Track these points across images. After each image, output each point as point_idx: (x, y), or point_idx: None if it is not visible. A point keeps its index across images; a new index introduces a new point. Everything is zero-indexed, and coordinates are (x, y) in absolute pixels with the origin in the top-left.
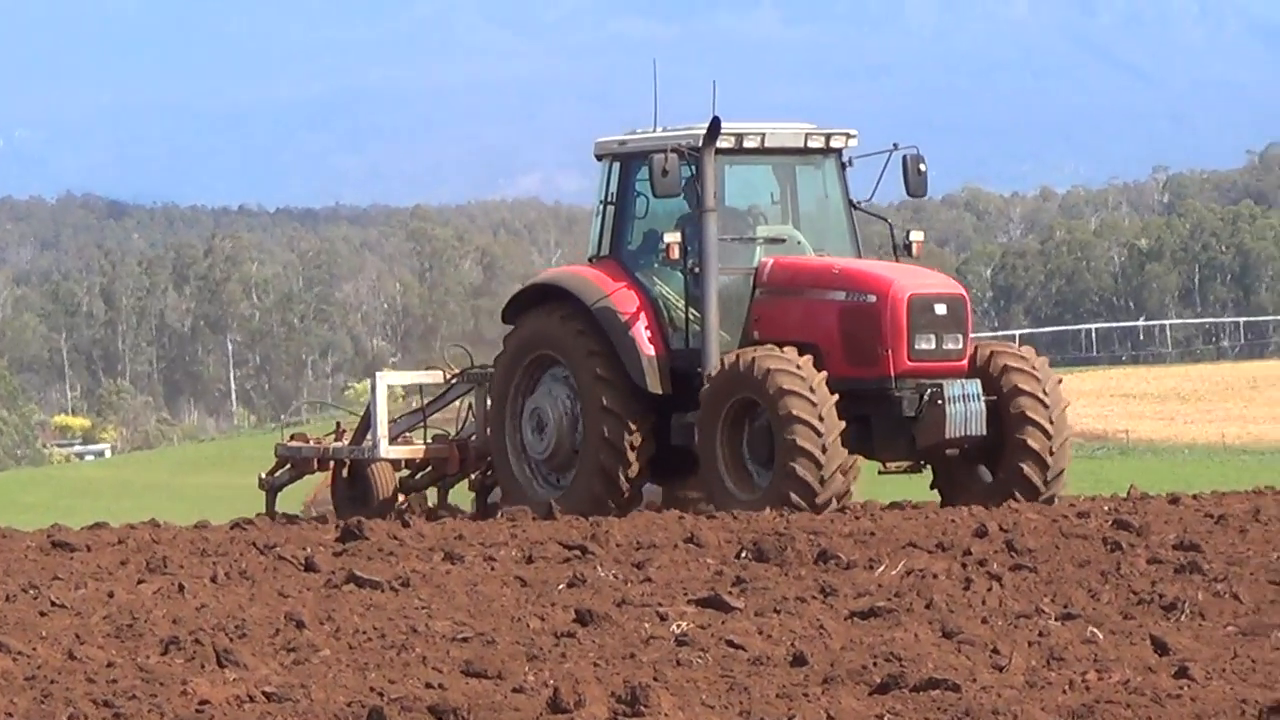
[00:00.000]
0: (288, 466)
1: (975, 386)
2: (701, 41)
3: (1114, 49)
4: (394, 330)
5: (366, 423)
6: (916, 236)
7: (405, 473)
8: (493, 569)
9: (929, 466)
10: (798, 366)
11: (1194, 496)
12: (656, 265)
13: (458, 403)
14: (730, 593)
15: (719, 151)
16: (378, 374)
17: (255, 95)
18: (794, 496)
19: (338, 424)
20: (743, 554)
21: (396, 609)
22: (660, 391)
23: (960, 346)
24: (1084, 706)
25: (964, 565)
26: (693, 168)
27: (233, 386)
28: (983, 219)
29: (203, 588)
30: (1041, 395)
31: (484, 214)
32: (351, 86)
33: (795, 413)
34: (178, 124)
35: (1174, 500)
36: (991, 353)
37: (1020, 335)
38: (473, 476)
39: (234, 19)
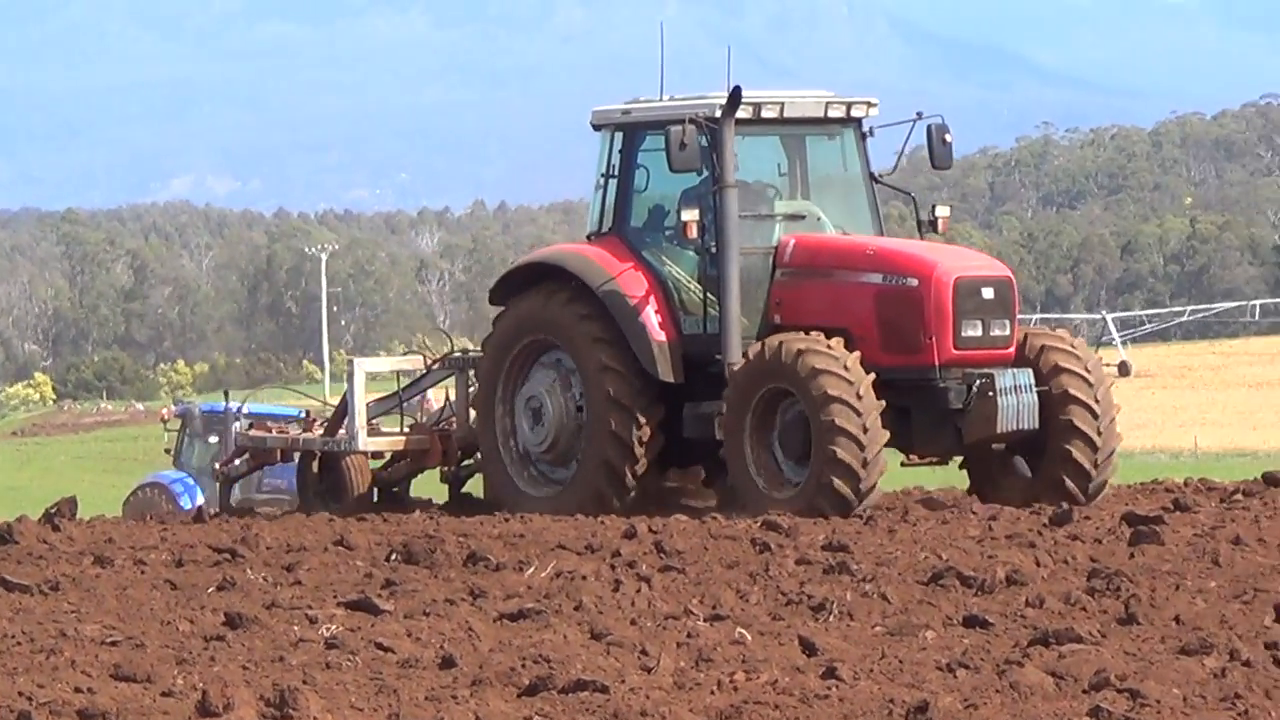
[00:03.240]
0: (245, 456)
1: (1027, 376)
2: (351, 43)
3: (762, 50)
4: (45, 334)
5: (341, 413)
6: (942, 212)
7: (378, 464)
8: (143, 572)
9: (957, 459)
10: (829, 347)
11: None
12: (664, 243)
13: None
14: (380, 595)
15: (737, 122)
16: (355, 361)
17: None
18: (837, 483)
19: (307, 413)
20: (392, 556)
21: (45, 613)
22: (674, 380)
23: (1008, 333)
24: (732, 707)
25: (613, 567)
26: (706, 139)
27: None
28: None
29: None
30: (1084, 373)
31: (135, 218)
32: None
33: (831, 392)
34: None
35: None
36: (1027, 335)
37: None
38: (446, 469)
39: None
